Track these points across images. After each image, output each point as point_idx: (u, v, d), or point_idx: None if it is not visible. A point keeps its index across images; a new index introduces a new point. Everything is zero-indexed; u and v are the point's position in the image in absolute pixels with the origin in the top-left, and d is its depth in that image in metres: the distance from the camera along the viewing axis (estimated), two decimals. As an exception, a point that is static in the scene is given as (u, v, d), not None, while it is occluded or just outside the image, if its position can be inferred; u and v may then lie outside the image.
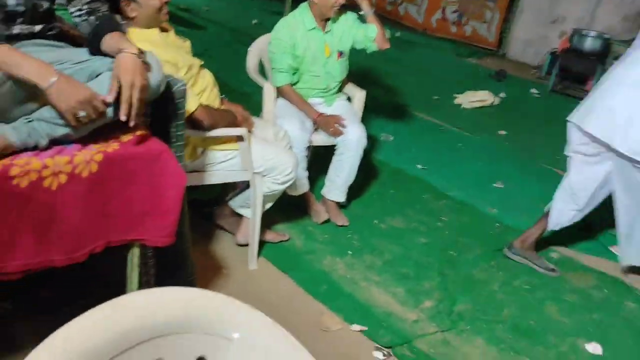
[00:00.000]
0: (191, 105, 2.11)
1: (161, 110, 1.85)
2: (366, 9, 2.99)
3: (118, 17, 1.81)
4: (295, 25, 2.87)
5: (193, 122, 2.17)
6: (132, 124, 1.54)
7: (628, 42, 6.61)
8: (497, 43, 8.76)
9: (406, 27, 9.68)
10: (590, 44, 6.54)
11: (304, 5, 2.92)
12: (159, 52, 2.04)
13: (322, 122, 2.87)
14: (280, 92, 2.95)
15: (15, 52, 1.46)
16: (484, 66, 7.75)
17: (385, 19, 10.02)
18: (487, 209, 3.44)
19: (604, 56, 6.46)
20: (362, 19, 3.06)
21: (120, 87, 1.50)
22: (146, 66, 1.59)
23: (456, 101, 5.68)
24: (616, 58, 6.55)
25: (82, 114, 1.47)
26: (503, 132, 4.97)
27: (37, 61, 1.45)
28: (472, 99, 5.68)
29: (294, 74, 2.92)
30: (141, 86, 1.52)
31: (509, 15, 8.56)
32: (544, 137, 5.08)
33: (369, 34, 3.00)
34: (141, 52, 1.59)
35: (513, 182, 3.89)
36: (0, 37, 1.58)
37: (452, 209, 3.39)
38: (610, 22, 7.45)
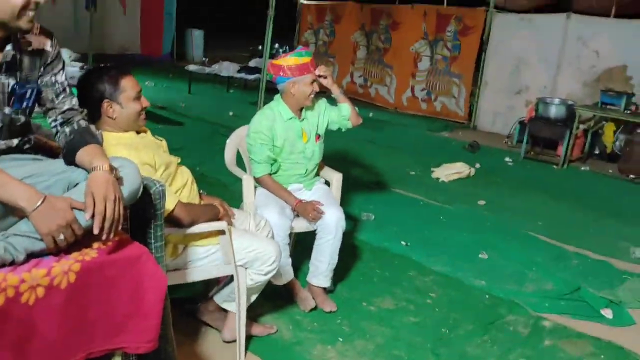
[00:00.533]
0: (169, 203, 2.12)
1: (139, 212, 1.86)
2: (336, 91, 3.14)
3: (93, 128, 1.86)
4: (273, 117, 2.96)
5: (172, 221, 2.18)
6: (104, 237, 1.55)
7: (590, 107, 6.94)
8: (467, 116, 9.09)
9: (378, 108, 10.03)
10: (555, 110, 6.82)
11: (277, 97, 3.03)
12: (136, 154, 2.09)
13: (301, 209, 2.90)
14: (259, 183, 2.99)
15: (3, 174, 1.49)
16: (457, 139, 7.99)
17: (358, 101, 10.40)
18: (474, 282, 3.42)
19: (571, 121, 6.72)
20: (332, 102, 3.19)
21: (94, 202, 1.52)
22: (119, 180, 1.62)
23: (433, 175, 5.79)
24: (582, 122, 6.85)
25: (61, 237, 1.49)
26: (482, 202, 5.04)
27: (22, 184, 1.49)
28: (448, 171, 5.80)
29: (272, 164, 2.98)
30: (114, 199, 1.55)
31: (475, 89, 8.94)
32: (523, 203, 5.17)
33: (342, 113, 3.15)
34: (114, 169, 1.62)
35: (497, 251, 3.90)
36: None
37: (439, 284, 3.36)
38: (571, 89, 7.82)
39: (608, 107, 6.84)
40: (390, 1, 10.65)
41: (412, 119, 9.26)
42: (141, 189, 1.73)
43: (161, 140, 2.41)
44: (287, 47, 11.55)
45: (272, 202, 2.89)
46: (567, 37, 7.85)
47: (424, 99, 9.67)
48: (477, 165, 6.23)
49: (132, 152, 2.10)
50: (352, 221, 4.09)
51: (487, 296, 3.25)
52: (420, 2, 9.77)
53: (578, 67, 7.80)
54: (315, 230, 2.97)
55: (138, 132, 2.28)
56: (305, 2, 11.91)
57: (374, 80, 10.49)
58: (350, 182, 4.84)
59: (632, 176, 6.46)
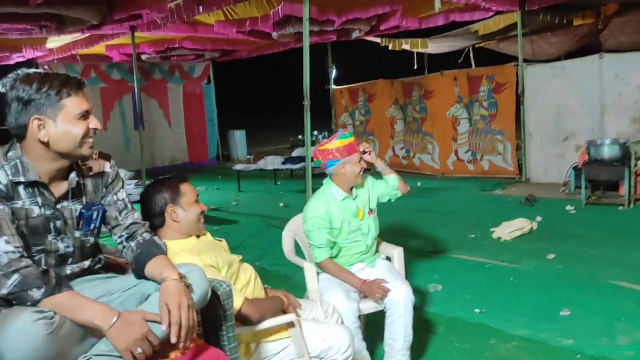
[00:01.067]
0: (236, 302, 2.13)
1: (210, 315, 1.88)
2: (380, 165, 3.22)
3: (156, 239, 1.93)
4: (328, 200, 3.00)
5: (241, 319, 2.18)
6: (181, 345, 1.56)
7: (642, 142, 6.71)
8: (517, 170, 8.94)
9: (425, 176, 10.02)
10: (608, 151, 6.63)
11: (327, 180, 3.09)
12: (199, 258, 2.14)
13: (366, 289, 2.85)
14: (321, 268, 2.98)
15: (78, 297, 1.56)
16: (511, 195, 7.82)
17: (403, 172, 10.43)
18: (562, 342, 3.20)
19: (627, 159, 6.50)
20: (377, 176, 3.26)
21: (169, 312, 1.55)
22: (189, 287, 1.66)
23: (494, 235, 5.63)
24: (638, 158, 6.61)
25: (138, 350, 1.52)
26: (552, 256, 4.82)
27: (97, 304, 1.55)
28: (509, 229, 5.63)
29: (332, 247, 2.98)
30: (188, 307, 1.59)
31: (520, 142, 8.84)
32: (595, 250, 4.92)
33: (390, 184, 3.21)
34: (182, 277, 1.67)
35: (579, 306, 3.67)
36: (59, 280, 1.63)
37: (525, 349, 3.16)
38: (619, 127, 7.64)
39: (664, 139, 6.61)
40: (420, 72, 10.94)
41: (462, 181, 9.17)
42: (209, 292, 1.75)
43: (221, 241, 2.47)
44: (327, 133, 11.89)
45: (336, 287, 2.86)
46: (604, 77, 7.77)
47: (470, 160, 9.61)
48: (538, 219, 6.02)
49: (195, 257, 2.15)
50: (420, 294, 3.97)
51: (578, 356, 3.03)
52: (449, 69, 9.99)
53: (622, 105, 7.65)
54: (384, 309, 2.90)
55: (198, 236, 2.35)
56: (337, 87, 12.36)
57: (416, 150, 10.56)
58: (411, 254, 4.75)
59: None
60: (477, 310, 3.75)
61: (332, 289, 2.84)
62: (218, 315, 1.90)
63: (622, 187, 6.61)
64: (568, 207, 6.65)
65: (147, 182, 2.83)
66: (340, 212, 2.98)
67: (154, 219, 2.24)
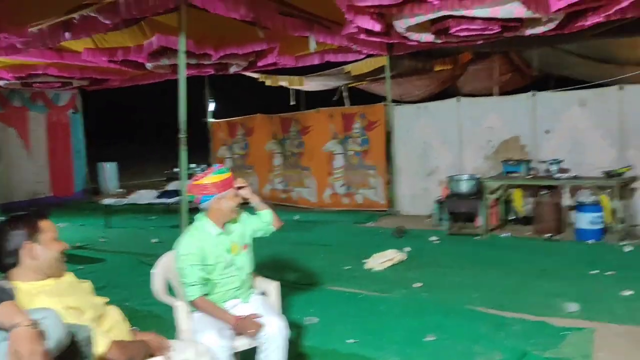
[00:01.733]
0: (102, 345, 2.00)
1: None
2: (255, 200, 3.24)
3: (4, 283, 1.77)
4: (201, 236, 2.95)
5: (107, 364, 2.04)
6: None
7: (496, 178, 7.44)
8: (388, 203, 9.42)
9: (303, 209, 10.19)
10: (466, 186, 7.26)
11: (201, 215, 3.03)
12: (59, 300, 1.99)
13: (240, 326, 2.82)
14: (194, 306, 2.90)
15: None
16: (383, 227, 8.21)
17: (282, 206, 10.53)
18: (427, 366, 3.39)
19: (482, 193, 7.14)
20: (252, 211, 3.27)
21: None
22: (43, 333, 1.55)
23: (366, 266, 5.85)
24: (492, 192, 7.29)
25: None
26: (419, 284, 5.12)
27: None
28: (380, 260, 5.89)
29: (205, 284, 2.91)
30: (41, 354, 1.49)
31: (390, 177, 9.37)
32: (456, 278, 5.31)
33: (264, 220, 3.24)
34: (35, 322, 1.55)
35: (442, 331, 3.91)
36: None
37: (393, 376, 3.30)
38: (476, 164, 8.40)
39: (511, 175, 7.36)
40: (297, 108, 11.25)
41: (338, 214, 9.46)
42: (67, 337, 1.63)
43: (85, 282, 2.32)
44: (205, 166, 11.69)
45: (209, 326, 2.80)
46: (461, 118, 8.54)
47: (345, 194, 9.97)
48: (407, 249, 6.38)
49: (55, 299, 2.00)
50: (296, 328, 3.99)
51: (441, 379, 3.22)
52: (325, 106, 10.39)
53: (477, 144, 8.43)
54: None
55: (59, 277, 2.19)
56: (215, 120, 12.28)
57: (294, 184, 10.74)
58: (288, 288, 4.78)
59: (547, 235, 6.86)
60: (350, 341, 3.85)
61: (205, 328, 2.77)
62: (77, 362, 1.77)
63: (479, 219, 7.24)
64: (433, 238, 7.12)
65: (1, 219, 2.59)
66: (214, 248, 2.94)
67: (6, 258, 2.05)
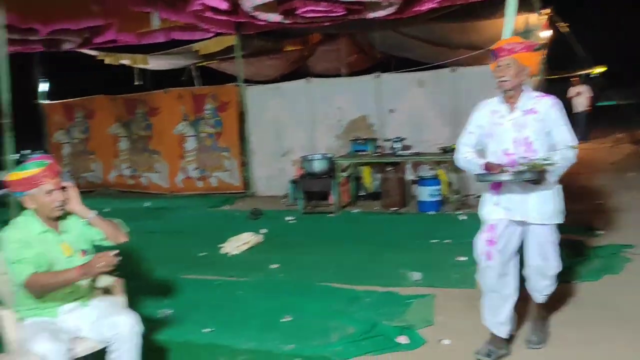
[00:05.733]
0: None
1: None
2: (84, 215, 2.78)
3: None
4: (25, 231, 2.63)
5: None
6: None
7: (346, 156, 7.72)
8: (244, 185, 9.34)
9: (154, 195, 9.73)
10: (318, 165, 7.42)
11: (28, 209, 2.70)
12: None
13: (88, 270, 2.48)
14: (29, 287, 2.52)
15: None
16: (239, 209, 8.13)
17: (131, 192, 9.96)
18: (284, 348, 3.41)
19: (334, 172, 7.37)
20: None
21: None
22: None
23: (222, 251, 5.75)
24: (343, 170, 7.55)
25: None
26: (276, 265, 5.14)
27: None
28: (237, 244, 5.82)
29: (37, 264, 2.55)
30: None
31: (245, 159, 9.28)
32: (312, 256, 5.42)
33: (96, 237, 2.85)
34: None
35: (299, 311, 3.96)
36: None
37: (251, 362, 3.28)
38: (327, 143, 8.63)
39: (359, 153, 7.68)
40: (142, 89, 10.60)
41: (191, 199, 9.17)
42: None
43: None
44: (43, 152, 10.60)
45: (41, 331, 2.51)
46: (312, 99, 8.69)
47: (199, 177, 9.68)
48: (264, 231, 6.38)
49: None
50: (149, 322, 3.76)
51: (298, 359, 3.26)
52: (173, 86, 9.93)
53: (328, 123, 8.66)
54: (107, 345, 2.65)
55: None
56: (49, 102, 11.14)
57: (143, 168, 10.18)
58: (139, 281, 4.51)
59: (393, 209, 7.30)
60: (206, 330, 3.75)
61: (35, 334, 2.48)
62: None
63: (331, 197, 7.47)
64: (288, 218, 7.21)
65: None
66: (38, 244, 2.62)
67: None
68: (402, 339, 3.34)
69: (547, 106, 3.05)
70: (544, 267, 3.17)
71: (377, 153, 7.61)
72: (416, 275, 4.53)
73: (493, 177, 3.01)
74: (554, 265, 3.18)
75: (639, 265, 4.48)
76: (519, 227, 3.12)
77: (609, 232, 5.41)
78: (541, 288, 3.26)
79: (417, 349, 3.26)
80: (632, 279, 4.22)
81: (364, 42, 11.33)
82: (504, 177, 2.95)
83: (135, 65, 10.40)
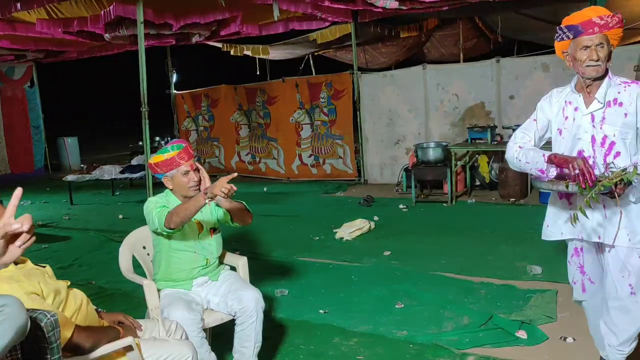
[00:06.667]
0: (66, 331, 1.96)
1: (34, 348, 1.69)
2: (217, 196, 2.73)
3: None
4: (166, 200, 2.88)
5: (73, 349, 2.00)
6: None
7: (462, 144, 7.52)
8: (356, 173, 9.45)
9: (272, 181, 10.15)
10: (432, 153, 7.30)
11: (166, 190, 2.97)
12: (19, 286, 1.93)
13: (212, 190, 2.56)
14: (169, 225, 2.70)
15: None
16: (351, 196, 8.24)
17: (250, 178, 10.48)
18: (397, 334, 3.44)
19: (449, 160, 7.21)
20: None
21: None
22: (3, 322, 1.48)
23: (337, 236, 5.88)
24: (459, 159, 7.37)
25: None
26: (388, 252, 5.18)
27: None
28: (350, 229, 5.93)
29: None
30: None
31: (358, 146, 9.38)
32: (425, 245, 5.38)
33: (225, 217, 3.02)
34: None
35: (412, 298, 3.98)
36: None
37: (365, 344, 3.35)
38: (442, 131, 8.46)
39: (477, 141, 7.44)
40: (262, 78, 11.07)
41: (306, 185, 9.46)
42: (29, 324, 1.58)
43: (44, 267, 2.24)
44: (169, 138, 11.49)
45: (177, 300, 2.77)
46: (427, 86, 8.54)
47: (313, 164, 9.95)
48: (376, 218, 6.43)
49: (15, 285, 1.93)
50: (267, 300, 3.98)
51: (411, 345, 3.28)
52: (291, 75, 10.25)
53: (444, 111, 8.48)
54: (235, 317, 2.86)
55: (17, 263, 2.11)
56: (178, 92, 12.01)
57: (262, 155, 10.66)
58: (257, 261, 4.77)
59: (512, 199, 7.00)
60: (321, 311, 3.88)
61: (172, 303, 2.74)
62: (42, 349, 1.72)
63: (446, 186, 7.33)
64: (401, 206, 7.19)
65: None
66: None
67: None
68: (521, 334, 3.23)
69: (636, 95, 2.36)
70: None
71: (495, 141, 7.33)
72: (536, 269, 4.34)
73: (553, 186, 2.32)
74: None
75: None
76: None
77: None
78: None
79: (538, 345, 3.14)
80: None
81: (483, 25, 10.88)
82: (572, 188, 2.23)
83: (256, 56, 10.87)
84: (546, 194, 6.72)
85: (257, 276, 4.24)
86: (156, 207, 2.80)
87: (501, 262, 4.67)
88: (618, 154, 2.37)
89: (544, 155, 2.41)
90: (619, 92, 2.38)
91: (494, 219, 6.29)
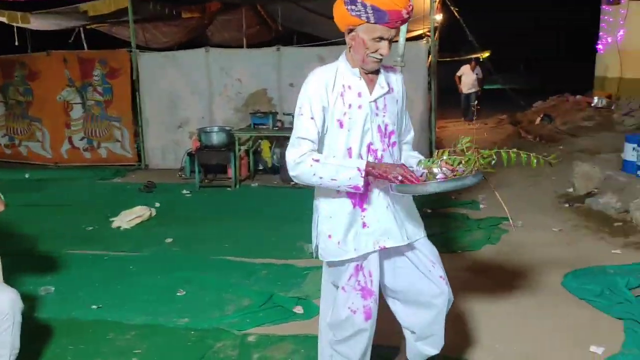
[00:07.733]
0: None
1: None
2: None
3: None
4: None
5: None
6: None
7: (245, 130, 7.60)
8: (136, 157, 8.92)
9: (36, 166, 9.03)
10: (216, 138, 7.25)
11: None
12: None
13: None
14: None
15: None
16: (131, 182, 7.77)
17: (8, 163, 9.18)
18: (178, 322, 3.33)
19: (233, 145, 7.24)
20: None
21: None
22: None
23: (114, 225, 5.48)
24: (242, 144, 7.44)
25: None
26: (170, 240, 4.99)
27: None
28: (129, 217, 5.57)
29: None
30: None
31: (138, 129, 8.84)
32: (208, 230, 5.32)
33: None
34: None
35: (194, 284, 3.89)
36: None
37: (143, 336, 3.16)
38: (226, 115, 8.45)
39: (259, 127, 7.60)
40: (22, 51, 9.69)
41: (78, 171, 8.63)
42: None
43: None
44: None
45: None
46: (211, 69, 8.43)
47: (86, 148, 9.10)
48: (157, 205, 6.15)
49: None
50: (30, 300, 3.53)
51: (192, 332, 3.20)
52: (58, 48, 9.18)
53: (227, 95, 8.46)
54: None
55: None
56: None
57: (22, 137, 9.39)
58: (18, 257, 4.17)
59: (292, 183, 7.34)
60: (94, 307, 3.58)
61: None
62: None
63: (230, 170, 7.35)
64: (184, 191, 7.01)
65: None
66: None
67: None
68: (298, 309, 3.39)
69: (401, 82, 2.29)
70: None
71: (276, 127, 7.57)
72: (312, 248, 4.60)
73: (418, 189, 2.01)
74: None
75: (514, 235, 4.86)
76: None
77: (489, 206, 5.82)
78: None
79: (314, 318, 3.32)
80: (507, 249, 4.57)
81: (265, 14, 11.16)
82: (446, 185, 2.00)
83: (13, 24, 9.44)
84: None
85: (16, 274, 3.74)
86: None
87: (282, 242, 4.85)
88: (394, 144, 2.23)
89: (358, 170, 2.04)
90: (388, 78, 2.24)
91: (275, 201, 6.51)
